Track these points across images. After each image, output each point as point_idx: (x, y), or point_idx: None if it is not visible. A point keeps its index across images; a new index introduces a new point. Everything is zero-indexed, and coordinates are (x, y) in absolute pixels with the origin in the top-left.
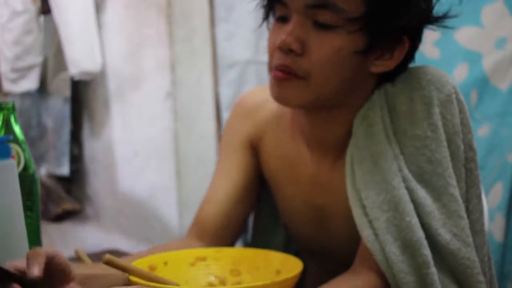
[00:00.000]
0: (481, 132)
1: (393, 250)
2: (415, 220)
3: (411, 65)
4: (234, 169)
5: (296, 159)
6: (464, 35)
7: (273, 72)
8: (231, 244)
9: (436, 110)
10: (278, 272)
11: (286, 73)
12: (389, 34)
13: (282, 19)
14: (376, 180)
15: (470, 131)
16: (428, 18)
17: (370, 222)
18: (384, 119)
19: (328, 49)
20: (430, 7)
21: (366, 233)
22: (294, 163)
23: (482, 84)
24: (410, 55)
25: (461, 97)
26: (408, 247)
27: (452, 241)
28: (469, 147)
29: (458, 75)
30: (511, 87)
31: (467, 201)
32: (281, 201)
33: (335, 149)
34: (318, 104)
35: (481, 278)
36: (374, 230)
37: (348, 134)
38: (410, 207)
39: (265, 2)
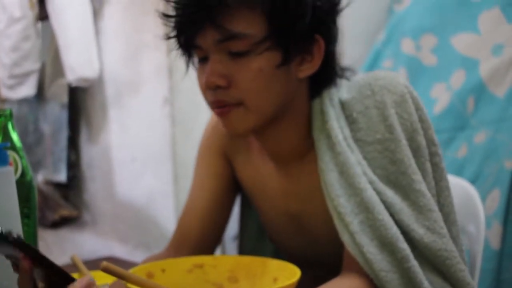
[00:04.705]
0: (478, 138)
1: (371, 250)
2: (387, 218)
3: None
4: (211, 178)
5: (265, 172)
6: (461, 41)
7: (213, 110)
8: (211, 253)
9: (392, 111)
10: (275, 279)
11: (223, 107)
12: (299, 40)
13: (204, 60)
14: (344, 187)
15: (430, 126)
16: (327, 12)
17: (346, 226)
18: (343, 129)
19: (250, 73)
20: (325, 2)
21: (345, 238)
22: (263, 175)
23: (479, 91)
24: (330, 52)
25: (415, 94)
26: (385, 244)
27: (426, 234)
28: (431, 142)
29: (455, 81)
30: (508, 93)
31: (437, 194)
32: (260, 214)
33: (297, 158)
34: (264, 124)
35: (463, 266)
36: (351, 234)
37: (306, 143)
38: (380, 206)
39: (184, 50)
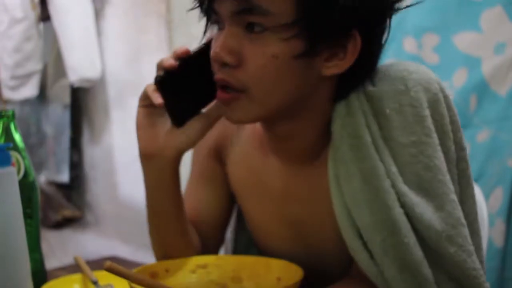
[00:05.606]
0: (481, 137)
1: (392, 273)
2: (413, 241)
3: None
4: (206, 181)
5: (264, 171)
6: (463, 40)
7: (218, 90)
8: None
9: (427, 112)
10: (279, 279)
11: (227, 93)
12: (328, 32)
13: (221, 27)
14: (369, 200)
15: (459, 129)
16: (370, 6)
17: (364, 244)
18: (371, 127)
19: (263, 58)
20: None
21: (361, 256)
22: (262, 174)
23: (481, 89)
24: (368, 51)
25: (447, 93)
26: (408, 268)
27: (457, 252)
28: (460, 146)
29: (457, 80)
30: (510, 92)
31: (461, 202)
32: (251, 220)
33: (307, 158)
34: (271, 117)
35: (487, 285)
36: (370, 253)
37: (321, 143)
38: (407, 227)
39: (204, 14)
